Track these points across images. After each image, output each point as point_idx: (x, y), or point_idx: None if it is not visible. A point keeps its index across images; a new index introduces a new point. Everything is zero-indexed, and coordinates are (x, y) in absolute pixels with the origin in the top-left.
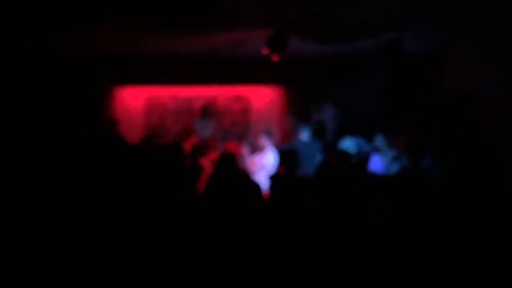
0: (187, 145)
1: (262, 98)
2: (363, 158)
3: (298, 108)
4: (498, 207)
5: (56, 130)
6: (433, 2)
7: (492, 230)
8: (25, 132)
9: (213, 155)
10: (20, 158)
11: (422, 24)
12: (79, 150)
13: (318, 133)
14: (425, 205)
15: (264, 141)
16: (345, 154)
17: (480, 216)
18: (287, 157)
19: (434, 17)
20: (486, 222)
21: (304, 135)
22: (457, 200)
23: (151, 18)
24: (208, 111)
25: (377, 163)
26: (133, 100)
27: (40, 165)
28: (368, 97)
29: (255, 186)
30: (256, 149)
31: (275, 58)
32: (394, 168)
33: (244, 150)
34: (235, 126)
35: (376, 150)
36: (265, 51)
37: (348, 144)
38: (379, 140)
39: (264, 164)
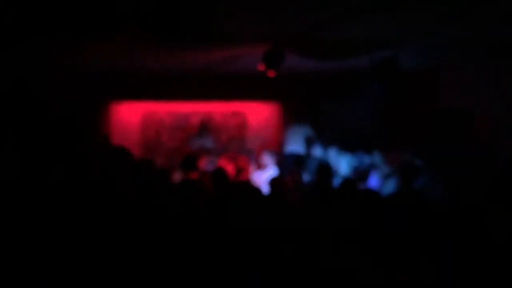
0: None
1: (259, 114)
2: (361, 174)
3: (294, 124)
4: (498, 225)
5: (53, 145)
6: (427, 21)
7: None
8: (22, 145)
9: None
10: (16, 171)
11: (417, 42)
12: (76, 164)
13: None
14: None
15: (267, 158)
16: (327, 169)
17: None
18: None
19: (428, 35)
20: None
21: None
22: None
23: (146, 36)
24: (206, 127)
25: (374, 180)
26: (130, 116)
27: (35, 178)
28: (363, 113)
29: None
30: (258, 166)
31: (271, 74)
32: (389, 185)
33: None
34: (232, 141)
35: (374, 166)
36: (261, 67)
37: (343, 160)
38: (376, 156)
39: (265, 181)
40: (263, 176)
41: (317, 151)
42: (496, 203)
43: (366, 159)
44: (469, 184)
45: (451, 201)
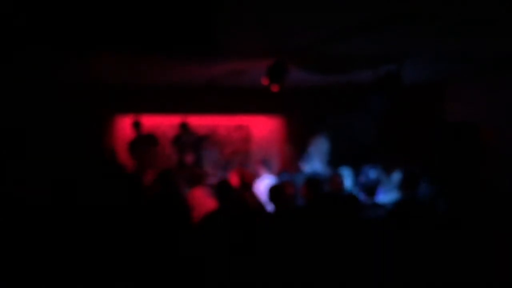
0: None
1: (263, 127)
2: (369, 189)
3: (298, 137)
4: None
5: (56, 159)
6: (431, 35)
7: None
8: (25, 160)
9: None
10: (21, 186)
11: (422, 56)
12: (79, 178)
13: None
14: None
15: (261, 168)
16: (314, 183)
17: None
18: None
19: (433, 49)
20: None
21: (308, 166)
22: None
23: (149, 51)
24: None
25: (381, 194)
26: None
27: (40, 192)
28: (367, 127)
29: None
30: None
31: (275, 88)
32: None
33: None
34: (236, 155)
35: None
36: (264, 81)
37: (344, 174)
38: (379, 170)
39: (261, 191)
40: (260, 185)
41: (314, 166)
42: (497, 216)
43: (372, 174)
44: (473, 198)
45: (454, 214)
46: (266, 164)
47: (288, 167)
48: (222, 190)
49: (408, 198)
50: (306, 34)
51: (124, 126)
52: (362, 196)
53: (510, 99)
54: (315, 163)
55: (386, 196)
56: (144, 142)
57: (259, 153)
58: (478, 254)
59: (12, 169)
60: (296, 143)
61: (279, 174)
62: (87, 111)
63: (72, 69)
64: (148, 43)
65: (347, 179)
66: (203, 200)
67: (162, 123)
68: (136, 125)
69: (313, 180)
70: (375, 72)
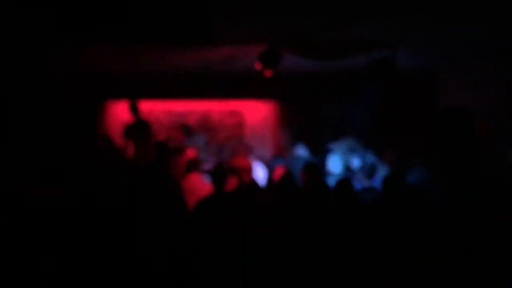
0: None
1: (256, 113)
2: (368, 172)
3: (292, 123)
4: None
5: (50, 146)
6: (425, 22)
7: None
8: (19, 147)
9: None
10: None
11: (415, 42)
12: (74, 165)
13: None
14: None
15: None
16: (313, 168)
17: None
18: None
19: (427, 36)
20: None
21: (301, 151)
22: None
23: (142, 37)
24: (188, 127)
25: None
26: (126, 115)
27: (34, 181)
28: (361, 113)
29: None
30: None
31: (268, 73)
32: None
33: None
34: (229, 141)
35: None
36: (257, 66)
37: (335, 160)
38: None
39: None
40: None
41: (304, 151)
42: (493, 202)
43: (369, 158)
44: (467, 183)
45: (448, 199)
46: (252, 150)
47: (281, 152)
48: (218, 175)
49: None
50: (300, 20)
51: (117, 111)
52: (357, 180)
53: (503, 85)
54: (302, 149)
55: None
56: (141, 127)
57: (253, 138)
58: (472, 241)
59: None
60: (290, 128)
61: (272, 159)
62: (79, 97)
63: (64, 56)
64: (142, 30)
65: (338, 164)
66: (199, 186)
67: (155, 109)
68: (134, 108)
69: (312, 166)
70: (369, 58)
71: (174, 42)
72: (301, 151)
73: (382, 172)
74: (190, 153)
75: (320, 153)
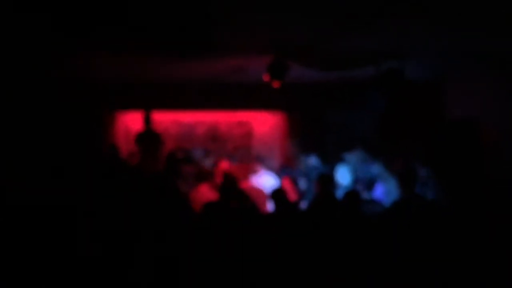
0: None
1: (264, 123)
2: (366, 184)
3: (300, 133)
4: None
5: (58, 156)
6: (432, 32)
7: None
8: (26, 157)
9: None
10: (21, 184)
11: (422, 53)
12: (82, 175)
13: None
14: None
15: (257, 165)
16: (327, 179)
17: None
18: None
19: (433, 46)
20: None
21: (313, 161)
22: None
23: (150, 48)
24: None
25: (379, 190)
26: (135, 125)
27: (41, 191)
28: (368, 123)
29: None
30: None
31: (276, 84)
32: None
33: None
34: (237, 151)
35: (379, 176)
36: (265, 78)
37: (344, 172)
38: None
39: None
40: (259, 181)
41: (314, 161)
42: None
43: (374, 169)
44: (473, 192)
45: (454, 209)
46: (261, 160)
47: (289, 163)
48: (225, 184)
49: (407, 196)
50: (307, 31)
51: (126, 122)
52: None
53: (509, 96)
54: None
55: (385, 191)
56: (152, 136)
57: (261, 149)
58: (478, 249)
59: (10, 169)
60: (298, 139)
61: (280, 169)
62: (87, 108)
63: (73, 65)
64: (148, 41)
65: (346, 176)
66: (208, 197)
67: (163, 119)
68: (147, 118)
69: (325, 177)
70: (377, 69)
71: (178, 55)
72: (314, 161)
73: (390, 182)
74: (224, 164)
75: (328, 163)
